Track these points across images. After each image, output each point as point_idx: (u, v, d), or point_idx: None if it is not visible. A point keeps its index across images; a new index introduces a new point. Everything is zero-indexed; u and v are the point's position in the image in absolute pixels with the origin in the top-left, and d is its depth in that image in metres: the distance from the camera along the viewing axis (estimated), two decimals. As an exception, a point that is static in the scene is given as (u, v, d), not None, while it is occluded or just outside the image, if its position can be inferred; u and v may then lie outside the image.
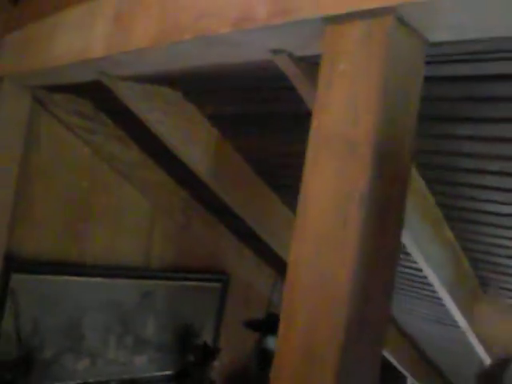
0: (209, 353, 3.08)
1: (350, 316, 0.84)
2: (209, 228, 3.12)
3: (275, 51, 1.14)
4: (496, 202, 1.82)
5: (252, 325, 3.14)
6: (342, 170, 0.84)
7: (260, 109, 1.90)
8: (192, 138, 2.13)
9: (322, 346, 0.87)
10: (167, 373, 3.08)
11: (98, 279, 2.74)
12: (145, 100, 1.96)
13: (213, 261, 3.28)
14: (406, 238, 1.92)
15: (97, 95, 2.37)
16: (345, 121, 0.86)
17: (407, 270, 2.46)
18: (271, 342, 3.02)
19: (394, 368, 3.62)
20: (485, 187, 1.77)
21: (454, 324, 2.58)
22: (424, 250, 2.01)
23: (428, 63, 1.26)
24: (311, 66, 1.16)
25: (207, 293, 3.27)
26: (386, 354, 3.48)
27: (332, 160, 0.86)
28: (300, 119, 1.38)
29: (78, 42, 1.67)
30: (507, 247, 2.07)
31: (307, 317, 0.90)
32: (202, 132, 2.14)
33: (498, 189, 1.74)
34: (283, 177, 2.33)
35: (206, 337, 3.23)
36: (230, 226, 3.11)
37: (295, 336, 0.91)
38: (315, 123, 0.91)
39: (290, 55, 1.13)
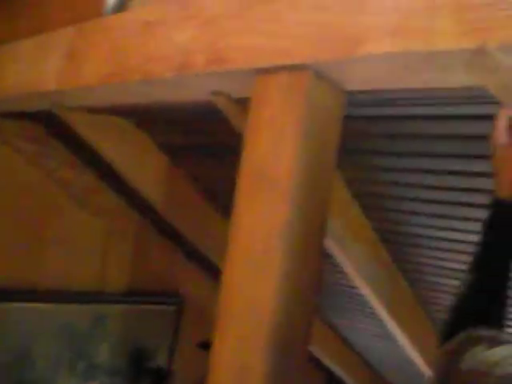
0: (163, 376, 3.09)
1: (275, 335, 0.95)
2: (163, 251, 3.18)
3: (215, 93, 1.26)
4: (428, 226, 1.98)
5: (207, 346, 3.17)
6: (267, 204, 0.96)
7: (209, 138, 2.01)
8: (143, 165, 2.22)
9: (251, 363, 0.98)
10: (121, 398, 3.07)
11: (50, 305, 2.71)
12: (97, 129, 2.05)
13: (167, 284, 3.31)
14: (345, 261, 2.05)
15: (49, 122, 2.41)
16: (269, 160, 0.98)
17: (349, 290, 2.59)
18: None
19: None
20: (417, 213, 1.93)
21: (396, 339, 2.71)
22: (362, 271, 2.15)
23: (361, 106, 1.42)
24: (247, 105, 1.29)
25: (162, 316, 3.28)
26: (339, 372, 3.58)
27: (258, 194, 0.98)
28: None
29: (30, 73, 1.73)
30: (440, 267, 2.22)
31: (238, 336, 1.01)
32: (153, 160, 2.23)
33: (429, 214, 1.90)
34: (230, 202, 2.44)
35: (161, 360, 3.23)
36: (183, 249, 3.18)
37: (227, 354, 1.01)
38: (244, 161, 1.03)
39: (228, 97, 1.26)
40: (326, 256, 2.11)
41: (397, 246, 2.21)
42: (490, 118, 1.28)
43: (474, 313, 0.83)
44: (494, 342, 0.58)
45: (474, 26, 0.77)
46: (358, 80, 1.04)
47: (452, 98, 1.23)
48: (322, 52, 0.95)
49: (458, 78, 0.88)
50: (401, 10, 0.86)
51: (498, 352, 0.56)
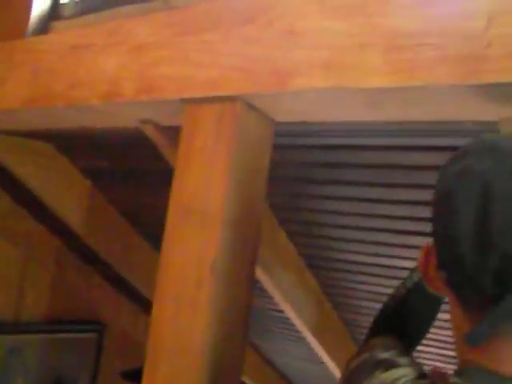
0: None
1: (207, 371, 0.93)
2: (83, 278, 3.07)
3: (143, 121, 1.23)
4: (353, 252, 2.03)
5: (129, 375, 3.08)
6: (197, 238, 0.95)
7: (136, 164, 1.97)
8: (64, 189, 2.14)
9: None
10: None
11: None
12: (16, 153, 1.95)
13: (88, 311, 3.20)
14: (271, 286, 2.06)
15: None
16: (199, 193, 0.97)
17: (276, 314, 2.60)
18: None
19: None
20: (343, 239, 1.97)
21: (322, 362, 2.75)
22: (287, 295, 2.16)
23: (289, 135, 1.44)
24: (176, 134, 1.27)
25: (82, 344, 3.17)
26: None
27: (188, 228, 0.97)
28: (170, 175, 1.49)
29: None
30: (364, 291, 2.28)
31: (169, 369, 0.98)
32: (74, 184, 2.15)
33: (352, 240, 1.94)
34: (157, 228, 2.39)
35: (82, 389, 3.13)
36: (105, 275, 3.08)
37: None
38: (174, 193, 1.01)
39: (156, 125, 1.23)
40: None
41: (322, 271, 2.25)
42: (415, 148, 1.35)
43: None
44: (391, 365, 0.61)
45: (402, 66, 0.81)
46: (289, 112, 1.05)
47: (379, 130, 1.27)
48: (253, 84, 0.95)
49: (387, 113, 0.91)
50: (333, 46, 0.88)
51: (391, 374, 0.60)
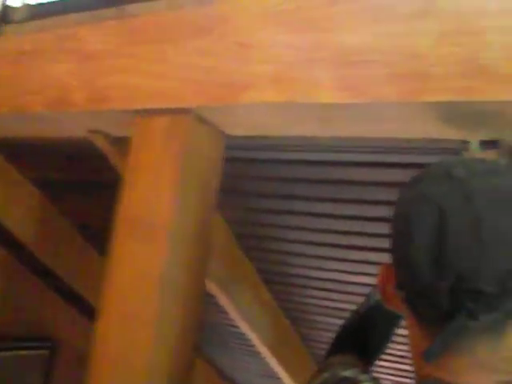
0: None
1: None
2: (34, 292, 2.97)
3: (92, 131, 1.20)
4: (307, 267, 2.03)
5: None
6: (144, 251, 0.92)
7: (84, 175, 1.92)
8: (13, 200, 2.07)
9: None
10: None
11: None
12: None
13: (38, 326, 3.11)
14: (226, 302, 2.03)
15: None
16: (147, 205, 0.95)
17: (232, 329, 2.58)
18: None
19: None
20: (297, 254, 1.97)
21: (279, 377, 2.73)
22: (244, 312, 2.14)
23: (243, 149, 1.43)
24: (127, 145, 1.24)
25: (32, 361, 3.06)
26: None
27: (135, 241, 0.94)
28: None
29: None
30: (319, 306, 2.28)
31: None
32: (24, 195, 2.09)
33: (308, 255, 1.95)
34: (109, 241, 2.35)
35: (33, 408, 3.02)
36: (57, 289, 3.00)
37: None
38: (122, 205, 0.98)
39: (107, 136, 1.21)
40: (208, 296, 2.08)
41: (278, 286, 2.24)
42: (367, 165, 1.36)
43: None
44: (352, 383, 0.64)
45: (350, 82, 0.81)
46: (241, 125, 1.04)
47: (332, 146, 1.28)
48: (204, 97, 0.94)
49: (337, 129, 0.91)
50: (284, 60, 0.88)
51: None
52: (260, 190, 1.70)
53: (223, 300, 2.08)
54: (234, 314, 2.17)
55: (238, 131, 1.07)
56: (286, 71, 0.87)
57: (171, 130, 0.98)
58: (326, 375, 0.69)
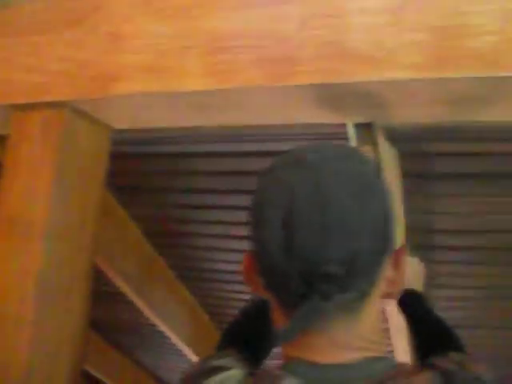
0: None
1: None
2: None
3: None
4: (222, 260, 2.03)
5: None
6: (21, 250, 0.89)
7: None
8: None
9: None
10: None
11: None
12: None
13: None
14: (139, 300, 2.00)
15: None
16: (24, 204, 0.91)
17: (150, 328, 2.54)
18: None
19: None
20: (210, 248, 1.97)
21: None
22: (160, 311, 2.12)
23: (141, 144, 1.41)
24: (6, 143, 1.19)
25: None
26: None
27: (12, 240, 0.91)
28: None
29: None
30: (239, 300, 2.29)
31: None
32: None
33: (222, 249, 1.94)
34: None
35: None
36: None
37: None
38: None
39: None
40: (121, 294, 2.04)
41: (194, 282, 2.23)
42: (261, 154, 1.37)
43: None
44: (222, 370, 0.63)
45: (219, 68, 0.81)
46: (123, 118, 1.02)
47: (219, 136, 1.27)
48: (79, 89, 0.92)
49: (210, 117, 0.91)
50: (156, 49, 0.87)
51: (221, 377, 0.63)
52: (163, 185, 1.68)
53: (136, 299, 2.04)
54: (148, 313, 2.14)
55: (123, 125, 1.05)
56: (157, 60, 0.86)
57: (48, 125, 0.95)
58: (198, 365, 0.68)
